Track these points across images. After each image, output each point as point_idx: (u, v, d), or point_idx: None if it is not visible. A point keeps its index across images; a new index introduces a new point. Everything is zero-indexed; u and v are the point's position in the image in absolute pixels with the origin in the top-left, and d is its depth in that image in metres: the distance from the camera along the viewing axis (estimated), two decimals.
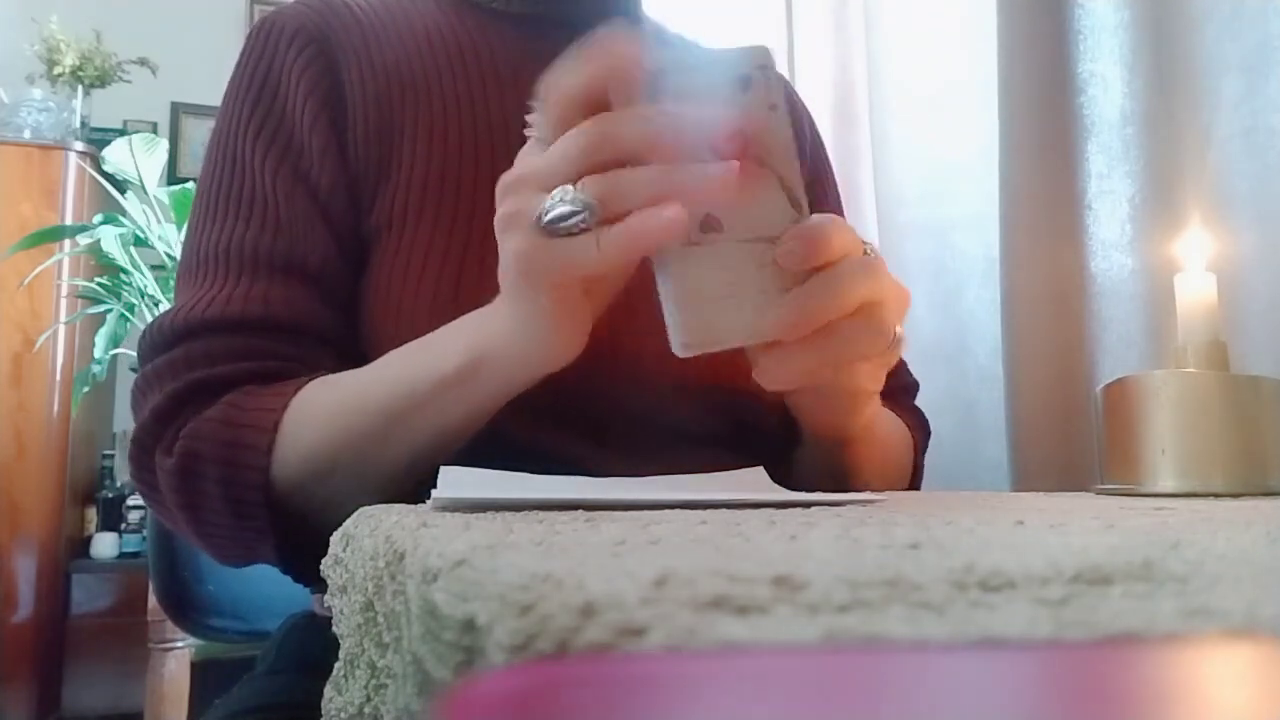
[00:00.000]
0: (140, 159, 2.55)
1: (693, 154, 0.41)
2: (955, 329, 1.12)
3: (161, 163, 2.63)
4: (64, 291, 2.62)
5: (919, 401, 0.78)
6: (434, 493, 0.38)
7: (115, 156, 2.56)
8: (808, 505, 0.41)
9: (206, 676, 1.43)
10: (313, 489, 0.55)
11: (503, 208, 0.45)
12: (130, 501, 2.69)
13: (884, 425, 0.67)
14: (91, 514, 2.77)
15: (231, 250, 0.61)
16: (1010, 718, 0.12)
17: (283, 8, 0.68)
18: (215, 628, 1.08)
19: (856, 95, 1.30)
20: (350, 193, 0.63)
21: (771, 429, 0.65)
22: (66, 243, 2.58)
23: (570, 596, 0.17)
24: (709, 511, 0.37)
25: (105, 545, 2.69)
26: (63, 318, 2.61)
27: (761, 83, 0.42)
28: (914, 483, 0.74)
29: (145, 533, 1.58)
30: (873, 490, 0.59)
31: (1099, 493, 0.61)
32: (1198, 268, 0.61)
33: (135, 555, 2.61)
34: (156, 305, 2.46)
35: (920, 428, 0.75)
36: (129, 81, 2.90)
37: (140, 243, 2.49)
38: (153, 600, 1.31)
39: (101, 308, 2.51)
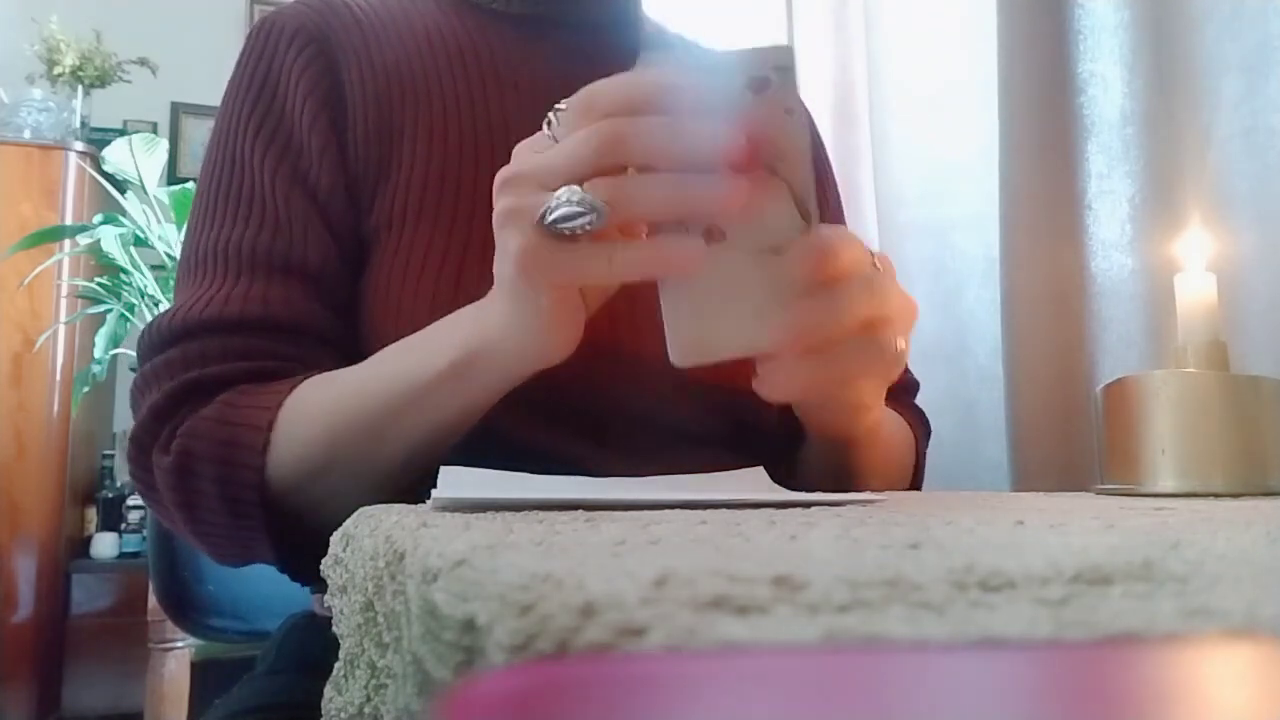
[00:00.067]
0: (140, 159, 2.56)
1: (703, 161, 0.40)
2: (955, 329, 1.12)
3: (161, 163, 2.63)
4: (64, 291, 2.62)
5: (919, 401, 0.78)
6: (434, 493, 0.38)
7: (115, 156, 2.56)
8: (808, 505, 0.41)
9: (206, 676, 1.43)
10: (308, 487, 0.55)
11: (501, 202, 0.44)
12: (130, 501, 2.69)
13: (887, 425, 0.67)
14: (91, 514, 2.77)
15: (230, 250, 0.61)
16: (1010, 718, 0.12)
17: (283, 8, 0.68)
18: (215, 628, 1.08)
19: (856, 95, 1.30)
20: (350, 193, 0.63)
21: (771, 429, 0.65)
22: (66, 243, 2.58)
23: (570, 596, 0.17)
24: (709, 511, 0.37)
25: (105, 545, 2.69)
26: (63, 318, 2.61)
27: (778, 85, 0.41)
28: (915, 481, 0.74)
29: (145, 533, 1.58)
30: (874, 490, 0.59)
31: (1099, 493, 0.61)
32: (1198, 268, 0.61)
33: (135, 555, 2.61)
34: (156, 305, 2.46)
35: (921, 426, 0.75)
36: (129, 81, 2.90)
37: (140, 243, 2.49)
38: (153, 600, 1.31)
39: (101, 308, 2.51)
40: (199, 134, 3.10)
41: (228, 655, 1.40)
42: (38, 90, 2.80)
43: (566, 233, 0.41)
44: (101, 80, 2.87)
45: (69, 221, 2.65)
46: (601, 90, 0.42)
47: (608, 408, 0.60)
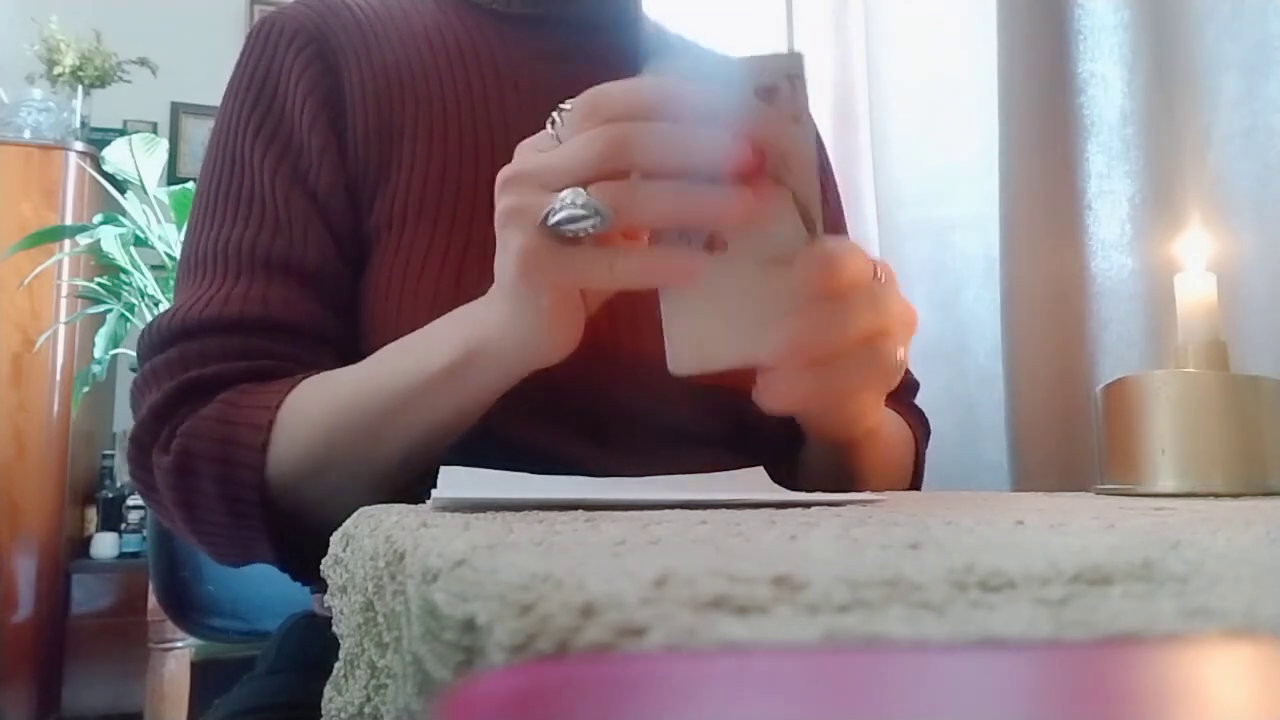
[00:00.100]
0: (140, 159, 2.56)
1: (708, 169, 0.40)
2: (955, 329, 1.12)
3: (161, 163, 2.63)
4: (64, 291, 2.62)
5: (919, 401, 0.78)
6: (434, 493, 0.38)
7: (115, 156, 2.57)
8: (808, 505, 0.41)
9: (206, 676, 1.43)
10: (308, 486, 0.55)
11: (503, 201, 0.44)
12: (130, 501, 2.69)
13: (886, 426, 0.67)
14: (91, 514, 2.77)
15: (230, 250, 0.61)
16: (1010, 718, 0.12)
17: (283, 8, 0.68)
18: (215, 628, 1.08)
19: (856, 95, 1.30)
20: (350, 193, 0.63)
21: (771, 429, 0.65)
22: (66, 243, 2.58)
23: (570, 596, 0.17)
24: (709, 511, 0.37)
25: (105, 545, 2.69)
26: (63, 318, 2.61)
27: (788, 94, 0.41)
28: (915, 482, 0.74)
29: (145, 533, 1.58)
30: (874, 490, 0.59)
31: (1099, 493, 0.61)
32: (1198, 268, 0.61)
33: (135, 555, 2.61)
34: (156, 305, 2.47)
35: (921, 427, 0.75)
36: (129, 81, 2.91)
37: (140, 243, 2.49)
38: (153, 600, 1.31)
39: (101, 308, 2.51)
40: (199, 134, 3.10)
41: (228, 655, 1.40)
42: (38, 90, 2.80)
43: (569, 235, 0.41)
44: (101, 80, 2.87)
45: (69, 221, 2.65)
46: (607, 92, 0.42)
47: (608, 408, 0.60)
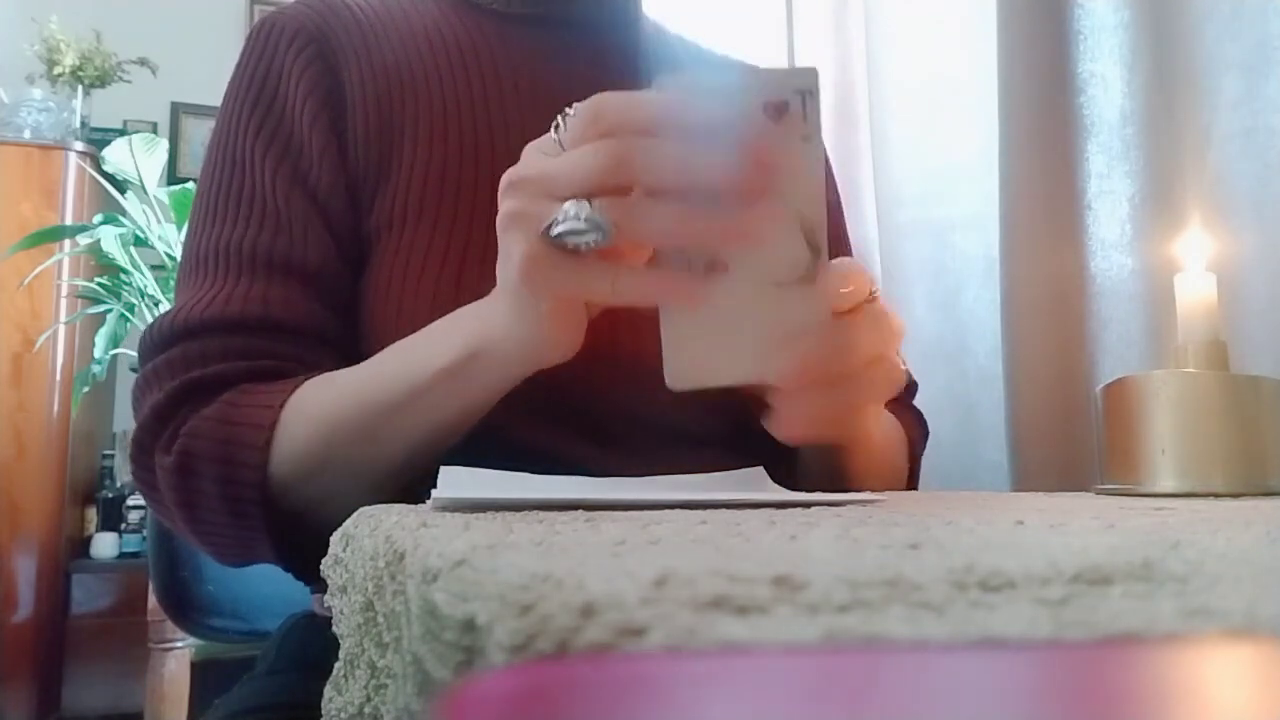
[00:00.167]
0: (140, 159, 2.56)
1: (712, 188, 0.40)
2: (955, 329, 1.12)
3: (161, 163, 2.63)
4: (64, 291, 2.62)
5: (918, 401, 0.78)
6: (434, 493, 0.38)
7: (115, 156, 2.56)
8: (808, 505, 0.41)
9: (206, 676, 1.42)
10: (309, 486, 0.55)
11: (506, 205, 0.44)
12: (130, 501, 2.69)
13: (882, 429, 0.67)
14: (91, 514, 2.77)
15: (231, 250, 0.61)
16: (1010, 718, 0.12)
17: (283, 8, 0.68)
18: (215, 628, 1.08)
19: (856, 95, 1.30)
20: (350, 193, 0.63)
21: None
22: (66, 243, 2.58)
23: (570, 596, 0.17)
24: (709, 511, 0.37)
25: (105, 545, 2.69)
26: (63, 318, 2.61)
27: (798, 111, 0.40)
28: (911, 484, 0.74)
29: (145, 533, 1.58)
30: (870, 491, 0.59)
31: (1099, 493, 0.61)
32: (1198, 268, 0.61)
33: (135, 555, 2.61)
34: (156, 305, 2.47)
35: (918, 428, 0.75)
36: (129, 81, 2.90)
37: (140, 243, 2.49)
38: (153, 600, 1.31)
39: (101, 308, 2.51)
40: (199, 134, 3.10)
41: (228, 655, 1.40)
42: (38, 90, 2.80)
43: (570, 247, 0.41)
44: (101, 80, 2.87)
45: (69, 221, 2.65)
46: (610, 103, 0.41)
47: (608, 408, 0.60)
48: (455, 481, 0.44)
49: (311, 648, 0.73)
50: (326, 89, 0.64)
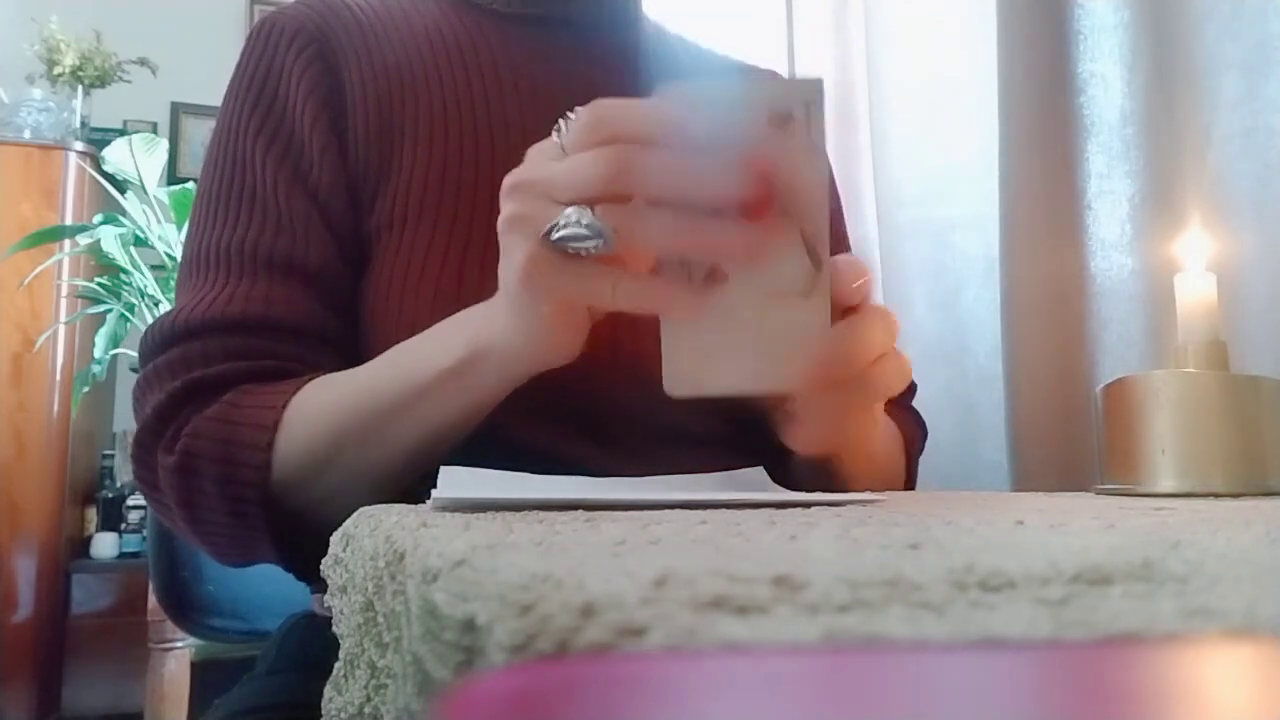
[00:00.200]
0: (140, 159, 2.56)
1: (714, 199, 0.39)
2: (955, 329, 1.12)
3: (161, 163, 2.63)
4: (64, 291, 2.62)
5: (917, 402, 0.78)
6: (434, 493, 0.38)
7: (115, 156, 2.56)
8: (808, 505, 0.41)
9: (206, 676, 1.43)
10: (311, 486, 0.55)
11: (508, 207, 0.44)
12: (130, 501, 2.69)
13: (880, 430, 0.67)
14: (91, 514, 2.77)
15: (232, 250, 0.61)
16: (1010, 718, 0.12)
17: (283, 8, 0.68)
18: (215, 628, 1.08)
19: (856, 95, 1.30)
20: (351, 193, 0.63)
21: (771, 429, 0.65)
22: (66, 243, 2.58)
23: (570, 596, 0.17)
24: (709, 511, 0.37)
25: (105, 545, 2.69)
26: (63, 318, 2.61)
27: (802, 122, 0.40)
28: (908, 486, 0.74)
29: (145, 533, 1.58)
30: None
31: (1099, 493, 0.61)
32: (1198, 268, 0.61)
33: (135, 555, 2.61)
34: (156, 305, 2.47)
35: (916, 429, 0.75)
36: (129, 81, 2.90)
37: (140, 243, 2.49)
38: (153, 600, 1.31)
39: (101, 308, 2.51)
40: (199, 134, 3.10)
41: (228, 655, 1.40)
42: (38, 90, 2.80)
43: (571, 251, 0.41)
44: (101, 80, 2.87)
45: (69, 221, 2.65)
46: (610, 109, 0.41)
47: (608, 408, 0.60)
48: (455, 481, 0.44)
49: (311, 648, 0.73)
50: (327, 89, 0.64)
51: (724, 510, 0.38)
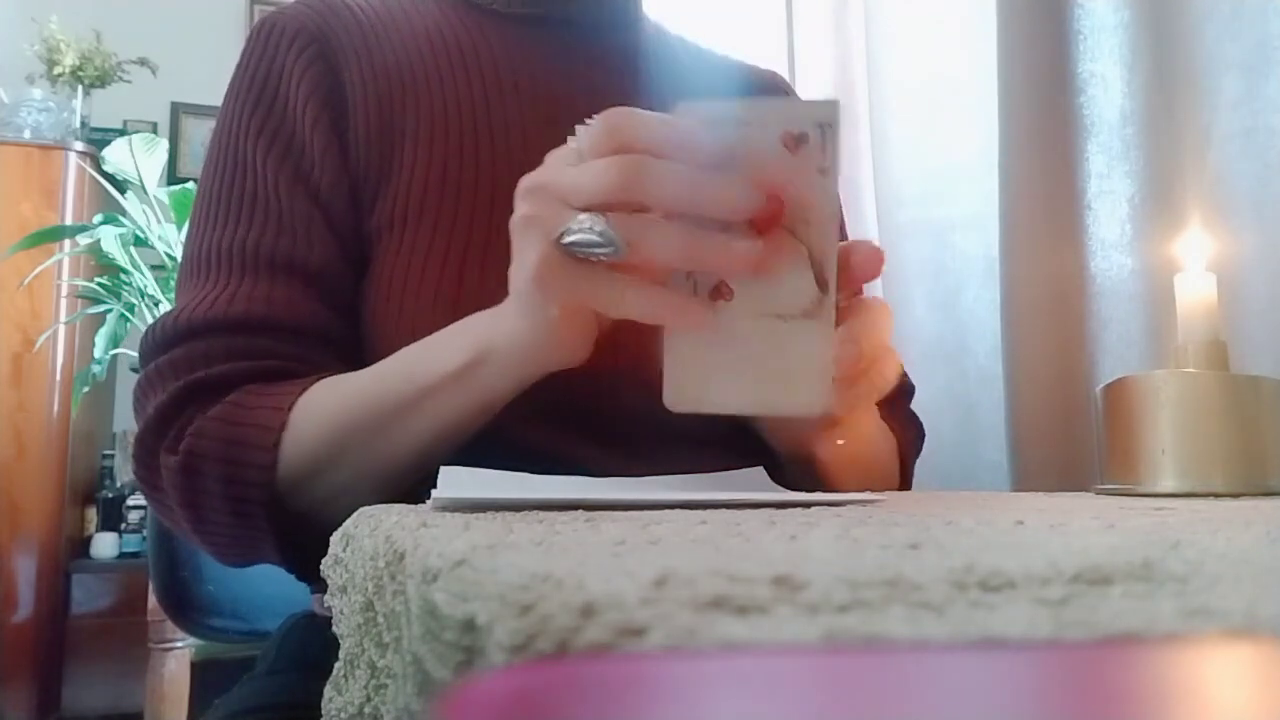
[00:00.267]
0: (140, 159, 2.56)
1: (724, 216, 0.40)
2: (955, 329, 1.11)
3: (161, 163, 2.63)
4: (64, 291, 2.62)
5: (917, 402, 0.78)
6: (434, 493, 0.38)
7: (115, 156, 2.56)
8: (808, 505, 0.41)
9: (206, 676, 1.42)
10: (314, 487, 0.55)
11: (522, 209, 0.45)
12: (130, 501, 2.69)
13: (872, 429, 0.66)
14: (91, 514, 2.77)
15: (234, 250, 0.61)
16: (1010, 718, 0.12)
17: (283, 8, 0.68)
18: (215, 628, 1.08)
19: (856, 95, 1.30)
20: (351, 193, 0.63)
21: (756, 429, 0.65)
22: (66, 243, 2.58)
23: (570, 596, 0.17)
24: (709, 511, 0.37)
25: (105, 545, 2.69)
26: (63, 318, 2.61)
27: (817, 143, 0.40)
28: (903, 488, 0.74)
29: (145, 533, 1.57)
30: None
31: (1099, 493, 0.61)
32: (1198, 268, 0.61)
33: (135, 555, 2.61)
34: (156, 305, 2.46)
35: (914, 430, 0.75)
36: (129, 81, 2.90)
37: (140, 243, 2.49)
38: (153, 600, 1.31)
39: (101, 308, 2.51)
40: (199, 134, 3.10)
41: (228, 655, 1.40)
42: (38, 90, 2.80)
43: (581, 256, 0.42)
44: (101, 80, 2.86)
45: (69, 221, 2.65)
46: (624, 118, 0.42)
47: (609, 408, 0.60)
48: (455, 481, 0.44)
49: (311, 648, 0.73)
50: (328, 89, 0.64)
51: (724, 510, 0.38)
